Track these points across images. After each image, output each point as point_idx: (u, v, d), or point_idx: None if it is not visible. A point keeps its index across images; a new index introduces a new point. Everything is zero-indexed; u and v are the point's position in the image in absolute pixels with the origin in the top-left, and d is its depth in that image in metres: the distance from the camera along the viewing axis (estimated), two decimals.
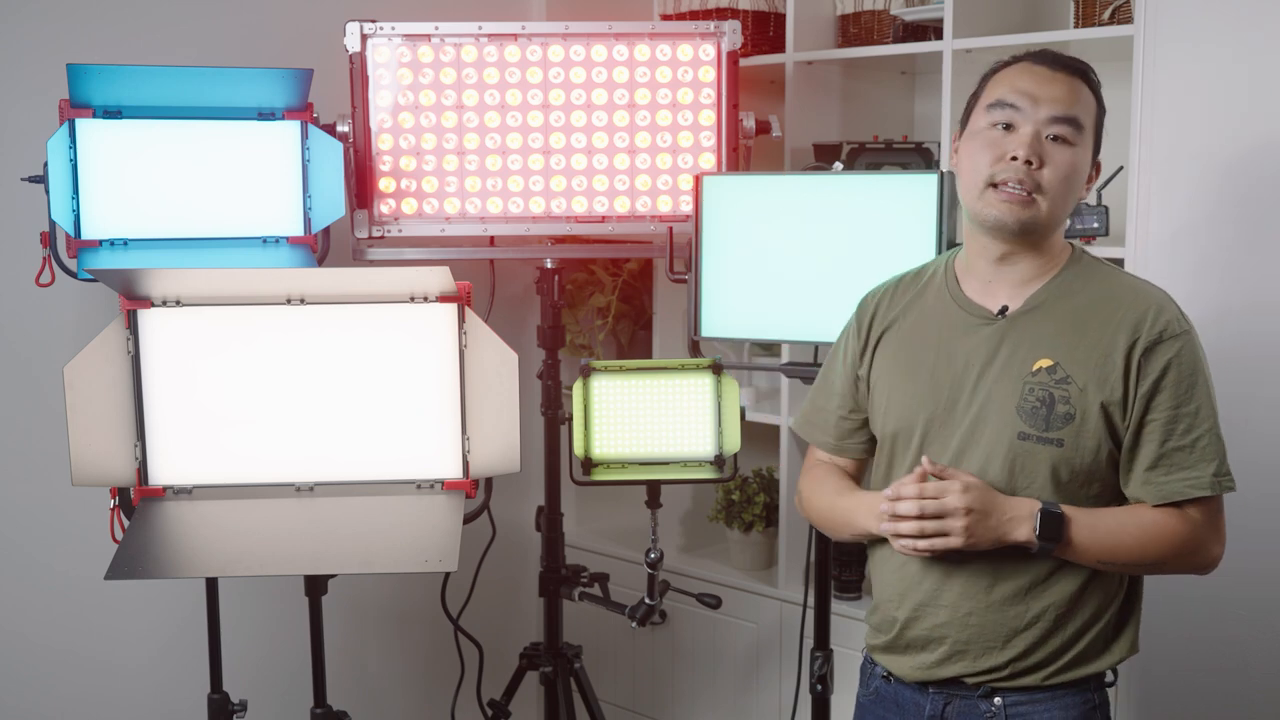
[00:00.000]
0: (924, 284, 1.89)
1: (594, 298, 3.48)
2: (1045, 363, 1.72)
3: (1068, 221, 2.44)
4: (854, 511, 1.85)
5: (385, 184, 2.67)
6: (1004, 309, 1.77)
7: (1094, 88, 1.76)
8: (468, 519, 2.22)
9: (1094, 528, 1.69)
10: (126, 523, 2.15)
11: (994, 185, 1.71)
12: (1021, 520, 1.68)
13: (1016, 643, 1.74)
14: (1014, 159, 1.70)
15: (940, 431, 1.78)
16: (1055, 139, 1.71)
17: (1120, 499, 1.77)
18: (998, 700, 1.77)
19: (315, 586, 2.28)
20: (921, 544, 1.69)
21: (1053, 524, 1.67)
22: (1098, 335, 1.72)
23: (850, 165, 2.84)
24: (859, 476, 1.99)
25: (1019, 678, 1.76)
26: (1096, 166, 1.79)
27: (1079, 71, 1.74)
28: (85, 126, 2.38)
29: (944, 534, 1.68)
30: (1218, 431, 1.73)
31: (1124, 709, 2.59)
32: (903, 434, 1.83)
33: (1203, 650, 2.51)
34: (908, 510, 1.69)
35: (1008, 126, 1.71)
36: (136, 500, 2.16)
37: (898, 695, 1.87)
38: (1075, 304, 1.75)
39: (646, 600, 2.61)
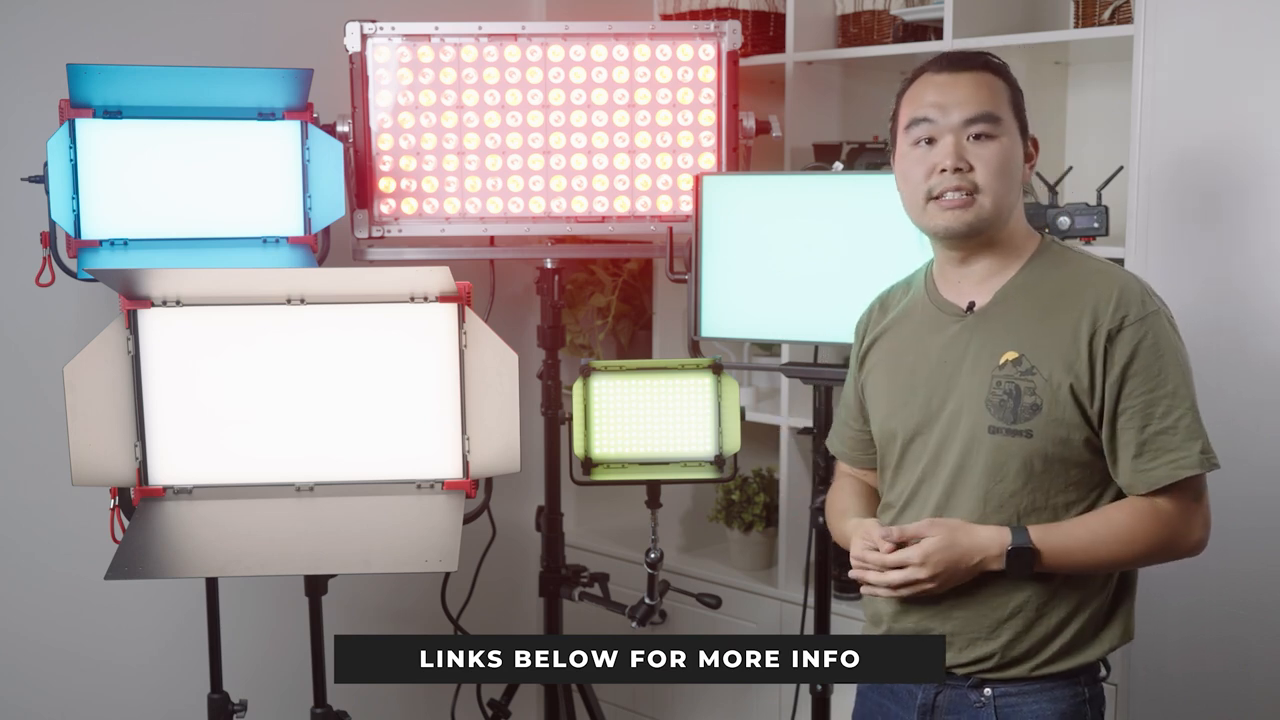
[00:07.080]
0: (910, 290, 1.93)
1: (594, 298, 3.48)
2: (1011, 355, 1.74)
3: (1066, 221, 2.48)
4: (849, 538, 1.89)
5: (385, 184, 2.67)
6: (971, 304, 1.80)
7: (999, 73, 1.78)
8: (468, 519, 2.22)
9: (1067, 551, 1.71)
10: (126, 523, 2.15)
11: (933, 198, 1.76)
12: (991, 559, 1.72)
13: (1002, 632, 1.76)
14: (943, 170, 1.74)
15: (922, 431, 1.82)
16: (976, 138, 1.74)
17: (1100, 484, 1.76)
18: (987, 691, 1.78)
19: (315, 586, 2.28)
20: (897, 593, 1.76)
21: (1022, 560, 1.71)
22: (1061, 322, 1.74)
23: (850, 165, 2.83)
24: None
25: (1007, 668, 1.77)
26: (1033, 142, 1.82)
27: (979, 65, 1.77)
28: (85, 126, 2.38)
29: (915, 588, 1.74)
30: (1196, 410, 1.72)
31: (1123, 709, 2.59)
32: (889, 436, 1.87)
33: (1203, 650, 2.51)
34: (875, 579, 1.76)
35: (929, 141, 1.76)
36: (136, 500, 2.16)
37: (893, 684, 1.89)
38: (1040, 293, 1.77)
39: (646, 600, 2.61)
